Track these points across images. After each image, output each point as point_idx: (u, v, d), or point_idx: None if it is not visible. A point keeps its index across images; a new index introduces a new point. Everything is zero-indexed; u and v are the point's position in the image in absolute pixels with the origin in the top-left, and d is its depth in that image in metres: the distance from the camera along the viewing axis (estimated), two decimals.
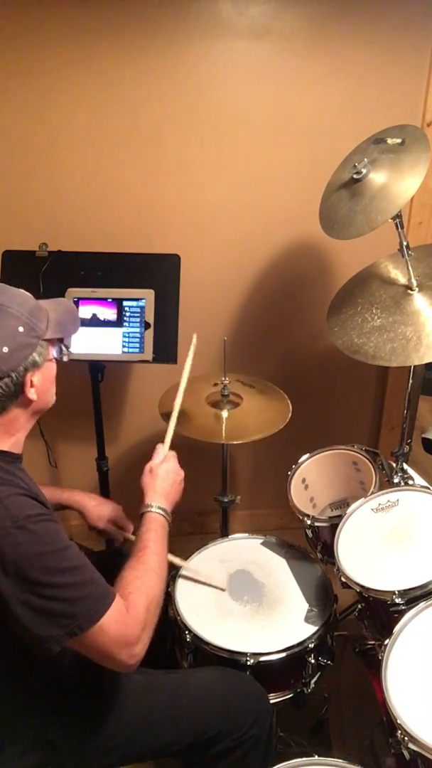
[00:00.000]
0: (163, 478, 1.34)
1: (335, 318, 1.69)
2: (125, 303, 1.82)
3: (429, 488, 1.57)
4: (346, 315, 1.67)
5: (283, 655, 1.39)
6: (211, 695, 1.30)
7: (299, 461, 1.81)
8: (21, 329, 1.04)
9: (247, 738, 1.26)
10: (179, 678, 1.34)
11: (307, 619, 1.47)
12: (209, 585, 1.55)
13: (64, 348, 1.16)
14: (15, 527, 0.97)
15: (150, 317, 1.82)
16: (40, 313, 1.10)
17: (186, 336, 1.86)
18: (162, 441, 1.45)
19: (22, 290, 1.11)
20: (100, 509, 1.51)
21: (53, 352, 1.13)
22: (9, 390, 1.05)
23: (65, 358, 1.17)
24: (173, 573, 1.59)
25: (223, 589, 1.54)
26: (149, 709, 1.26)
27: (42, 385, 1.10)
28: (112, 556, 1.44)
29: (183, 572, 1.58)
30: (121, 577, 1.12)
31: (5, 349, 1.02)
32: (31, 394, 1.08)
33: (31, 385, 1.07)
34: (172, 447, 1.45)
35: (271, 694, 1.41)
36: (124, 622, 1.04)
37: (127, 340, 1.83)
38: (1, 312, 1.04)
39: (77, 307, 1.81)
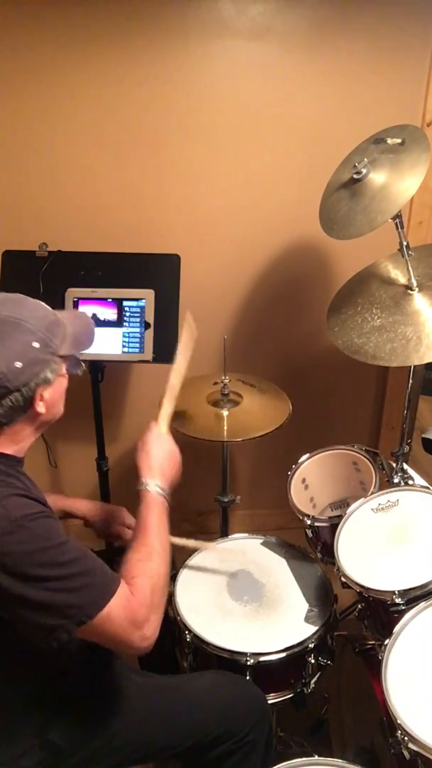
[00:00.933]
0: (157, 454, 1.28)
1: (335, 318, 1.69)
2: (125, 303, 1.82)
3: (429, 488, 1.57)
4: (345, 315, 1.67)
5: (283, 655, 1.39)
6: (211, 698, 1.30)
7: (299, 461, 1.81)
8: (36, 345, 1.04)
9: (247, 741, 1.27)
10: (180, 681, 1.34)
11: (307, 619, 1.47)
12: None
13: (79, 363, 1.16)
14: (13, 527, 0.97)
15: (150, 317, 1.82)
16: (57, 329, 1.09)
17: None
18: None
19: (42, 304, 1.10)
20: (102, 516, 1.50)
21: (66, 367, 1.12)
22: (18, 404, 1.04)
23: (80, 372, 1.17)
24: (172, 573, 1.59)
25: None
26: (150, 711, 1.26)
27: (51, 400, 1.10)
28: (115, 553, 1.43)
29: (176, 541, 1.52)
30: (125, 561, 1.12)
31: (18, 364, 1.01)
32: (40, 407, 1.07)
33: (41, 399, 1.07)
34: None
35: (271, 694, 1.42)
36: (130, 606, 1.04)
37: (127, 340, 1.83)
38: (18, 327, 1.03)
39: (77, 307, 1.81)
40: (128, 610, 1.04)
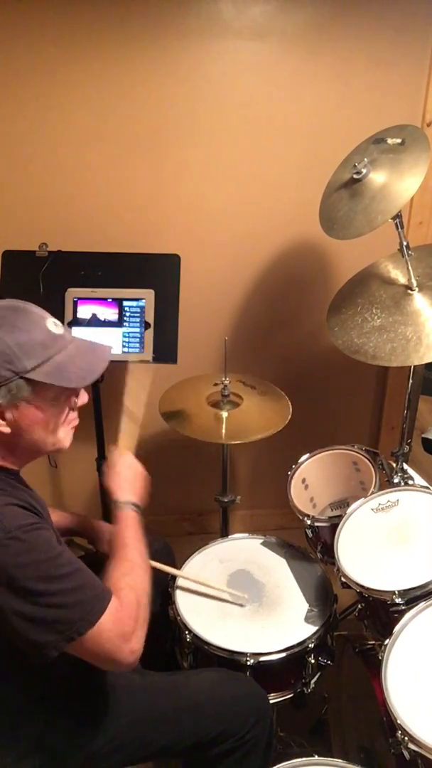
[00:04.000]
0: (124, 473, 1.32)
1: (335, 318, 1.69)
2: (125, 303, 1.82)
3: (429, 488, 1.57)
4: (346, 315, 1.67)
5: (283, 655, 1.39)
6: (211, 697, 1.30)
7: (299, 461, 1.81)
8: None
9: (247, 739, 1.26)
10: (179, 680, 1.34)
11: (307, 619, 1.47)
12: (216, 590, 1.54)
13: (74, 395, 1.10)
14: (7, 539, 0.96)
15: (150, 317, 1.82)
16: (38, 351, 1.01)
17: (186, 336, 1.86)
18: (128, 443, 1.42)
19: (46, 322, 1.04)
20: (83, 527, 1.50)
21: (44, 396, 1.04)
22: None
23: (74, 404, 1.11)
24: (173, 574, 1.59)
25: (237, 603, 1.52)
26: (149, 711, 1.26)
27: (20, 424, 1.03)
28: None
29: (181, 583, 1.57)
30: (108, 578, 1.11)
31: None
32: (2, 426, 1.03)
33: (2, 418, 1.02)
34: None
35: (271, 694, 1.42)
36: (120, 619, 1.04)
37: (127, 340, 1.83)
38: None
39: (76, 307, 1.81)
40: (118, 622, 1.03)
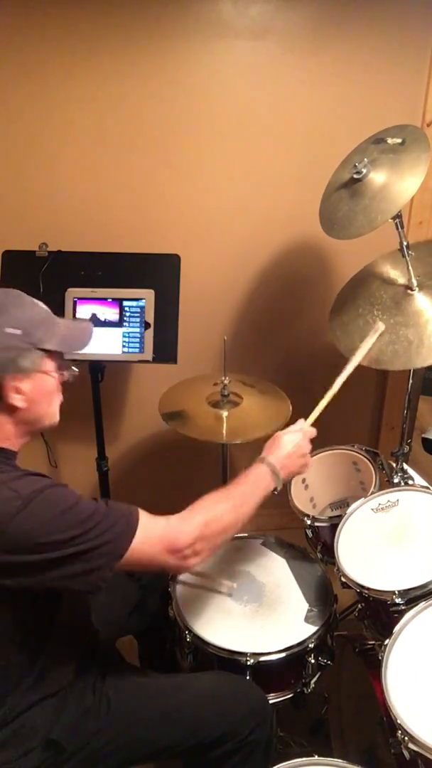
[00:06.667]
0: (285, 445, 1.35)
1: (337, 320, 1.69)
2: (125, 303, 1.82)
3: (429, 488, 1.57)
4: (347, 318, 1.67)
5: (283, 655, 1.39)
6: (212, 698, 1.30)
7: None
8: (10, 330, 1.05)
9: (248, 741, 1.26)
10: (181, 681, 1.34)
11: (307, 619, 1.47)
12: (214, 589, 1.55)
13: (70, 367, 1.17)
14: (26, 503, 1.00)
15: (150, 317, 1.82)
16: (45, 325, 1.11)
17: (186, 335, 1.86)
18: None
19: (40, 303, 1.13)
20: None
21: (49, 366, 1.12)
22: None
23: (67, 376, 1.17)
24: (172, 573, 1.59)
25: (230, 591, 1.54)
26: (151, 711, 1.26)
27: (32, 396, 1.10)
28: None
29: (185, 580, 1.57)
30: (203, 497, 1.18)
31: None
32: (16, 400, 1.08)
33: (17, 392, 1.07)
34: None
35: (271, 694, 1.41)
36: (165, 532, 1.10)
37: (127, 340, 1.83)
38: None
39: (76, 307, 1.81)
40: (163, 534, 1.10)
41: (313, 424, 1.44)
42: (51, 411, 1.16)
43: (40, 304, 1.14)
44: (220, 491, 1.22)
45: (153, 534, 1.10)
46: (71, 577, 1.03)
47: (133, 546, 1.06)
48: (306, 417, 1.45)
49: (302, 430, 1.40)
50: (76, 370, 1.20)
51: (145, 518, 1.10)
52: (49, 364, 1.12)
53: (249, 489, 1.25)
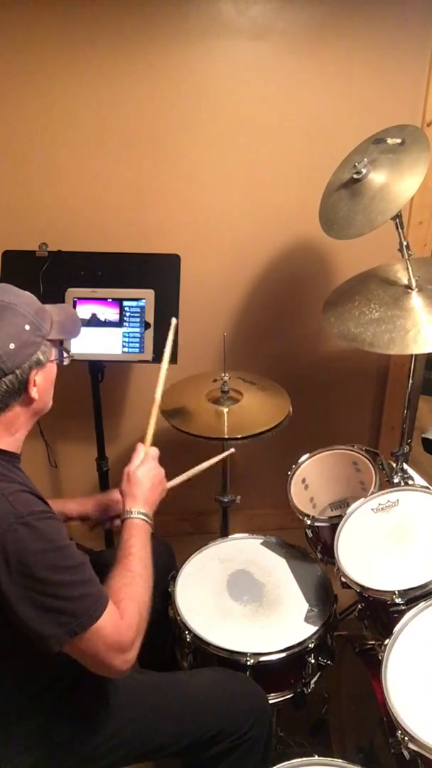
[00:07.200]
0: (142, 482, 1.28)
1: (331, 310, 1.67)
2: (125, 303, 1.82)
3: (429, 488, 1.57)
4: (342, 308, 1.65)
5: (283, 655, 1.39)
6: (211, 696, 1.30)
7: (299, 461, 1.81)
8: (27, 327, 1.06)
9: (246, 738, 1.27)
10: (179, 678, 1.34)
11: (307, 619, 1.47)
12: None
13: (64, 351, 1.17)
14: (19, 523, 0.97)
15: (150, 317, 1.82)
16: (45, 314, 1.12)
17: (186, 335, 1.86)
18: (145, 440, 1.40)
19: (27, 292, 1.12)
20: (95, 507, 1.50)
21: (54, 354, 1.14)
22: (13, 387, 1.06)
23: (66, 361, 1.18)
24: (172, 574, 1.59)
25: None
26: (149, 709, 1.26)
27: (43, 385, 1.11)
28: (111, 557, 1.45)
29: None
30: (109, 586, 1.11)
31: (12, 346, 1.03)
32: (34, 393, 1.09)
33: (34, 384, 1.09)
34: (155, 443, 1.41)
35: (271, 694, 1.42)
36: (118, 627, 1.04)
37: (127, 340, 1.83)
38: (10, 310, 1.05)
39: (76, 307, 1.81)
40: (116, 630, 1.04)
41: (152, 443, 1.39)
42: (49, 399, 1.17)
43: (27, 292, 1.13)
44: (123, 570, 1.14)
45: (116, 627, 1.03)
46: (21, 623, 0.97)
47: (94, 628, 1.00)
48: (151, 441, 1.40)
49: (147, 456, 1.35)
50: (72, 352, 1.21)
51: (113, 609, 1.05)
52: (54, 353, 1.14)
53: (142, 553, 1.18)
